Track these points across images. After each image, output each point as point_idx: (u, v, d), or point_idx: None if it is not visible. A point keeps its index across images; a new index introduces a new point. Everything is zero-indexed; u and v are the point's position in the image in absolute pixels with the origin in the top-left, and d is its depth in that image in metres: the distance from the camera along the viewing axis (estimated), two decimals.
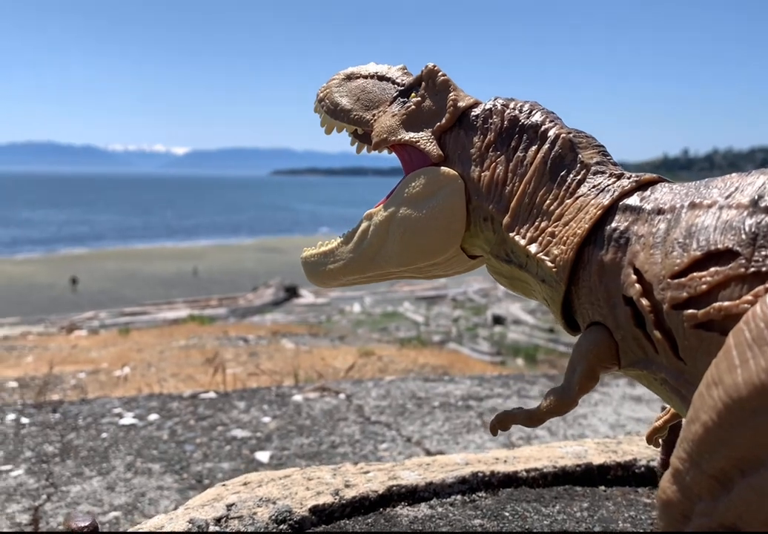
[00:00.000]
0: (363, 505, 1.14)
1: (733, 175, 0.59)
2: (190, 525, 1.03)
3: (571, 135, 0.72)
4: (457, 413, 3.03)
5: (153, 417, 2.93)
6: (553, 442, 2.53)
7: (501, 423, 0.76)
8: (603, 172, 0.69)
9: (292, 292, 21.96)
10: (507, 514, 1.15)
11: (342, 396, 3.27)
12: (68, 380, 4.08)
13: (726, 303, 0.53)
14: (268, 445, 2.63)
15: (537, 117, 0.74)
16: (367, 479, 1.20)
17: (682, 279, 0.56)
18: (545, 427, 2.93)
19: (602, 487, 1.27)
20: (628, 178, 0.68)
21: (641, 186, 0.67)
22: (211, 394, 3.28)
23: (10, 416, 2.89)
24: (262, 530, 1.05)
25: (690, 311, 0.55)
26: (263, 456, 2.52)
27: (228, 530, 1.04)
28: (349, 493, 1.15)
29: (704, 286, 0.54)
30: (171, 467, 2.42)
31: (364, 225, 0.81)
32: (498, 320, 16.21)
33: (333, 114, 0.84)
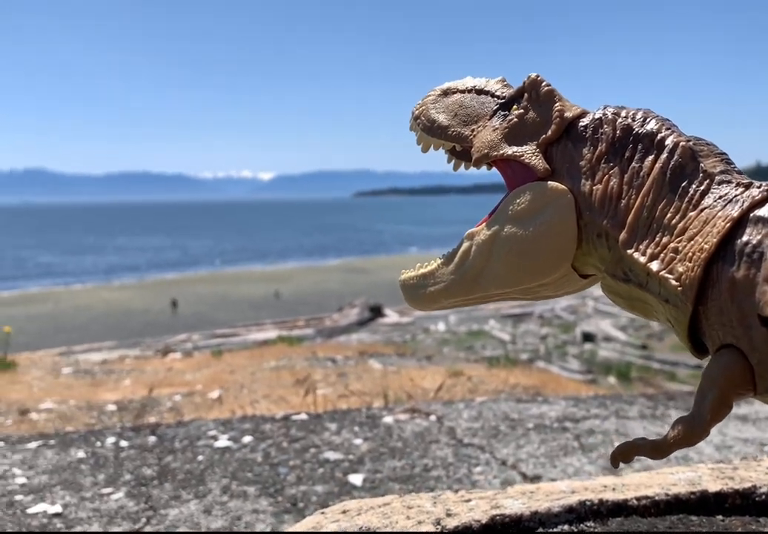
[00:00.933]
0: None
1: None
2: None
3: (690, 143, 0.67)
4: (552, 435, 2.94)
5: (247, 439, 2.96)
6: (654, 464, 2.42)
7: (623, 455, 0.70)
8: (729, 182, 0.64)
9: (376, 312, 22.07)
10: None
11: (433, 417, 3.22)
12: (164, 403, 4.19)
13: None
14: (361, 467, 2.61)
15: (652, 125, 0.69)
16: (469, 508, 1.16)
17: None
18: None
19: (720, 517, 1.18)
20: (758, 188, 0.62)
21: None
22: (303, 416, 3.29)
23: (110, 439, 2.97)
24: None
25: None
26: (356, 479, 2.50)
27: None
28: (451, 523, 1.11)
29: None
30: (266, 490, 2.42)
31: (465, 245, 0.77)
32: (588, 337, 15.81)
33: (430, 131, 0.80)
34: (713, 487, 1.23)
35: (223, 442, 2.93)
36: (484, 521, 1.12)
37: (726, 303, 0.60)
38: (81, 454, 2.79)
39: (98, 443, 2.93)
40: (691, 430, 0.65)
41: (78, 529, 2.09)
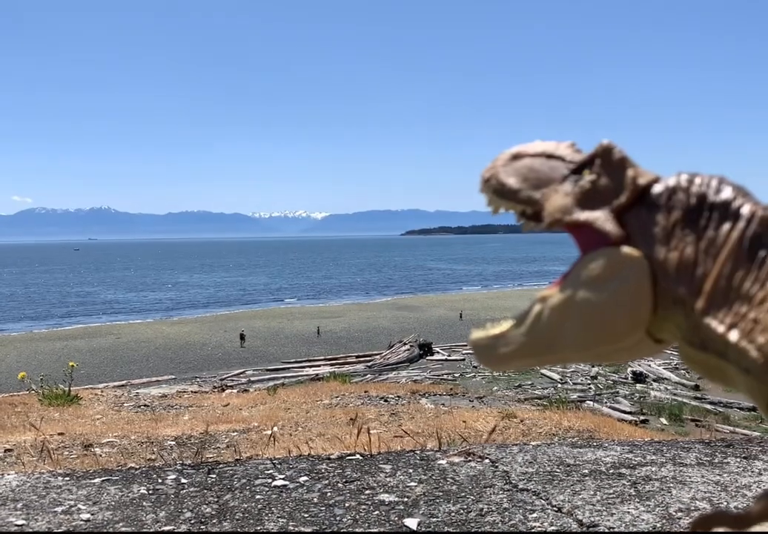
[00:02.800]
0: None
1: None
2: None
3: (767, 211, 0.68)
4: (608, 482, 2.90)
5: (303, 479, 3.00)
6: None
7: (702, 526, 0.70)
8: None
9: (426, 349, 21.95)
10: None
11: (487, 461, 3.21)
12: (222, 439, 4.27)
13: None
14: (416, 511, 2.62)
15: (727, 193, 0.70)
16: None
17: None
18: (705, 498, 2.75)
19: None
20: None
21: None
22: (357, 457, 3.33)
23: (171, 476, 3.05)
24: None
25: None
26: (412, 523, 2.52)
27: None
28: None
29: None
30: (322, 531, 2.46)
31: (537, 308, 0.77)
32: (638, 378, 15.43)
33: (500, 194, 0.81)
34: None
35: (280, 481, 2.98)
36: None
37: None
38: (143, 490, 2.87)
39: (159, 480, 3.01)
40: None
41: None
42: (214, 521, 2.55)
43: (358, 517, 2.58)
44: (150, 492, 2.86)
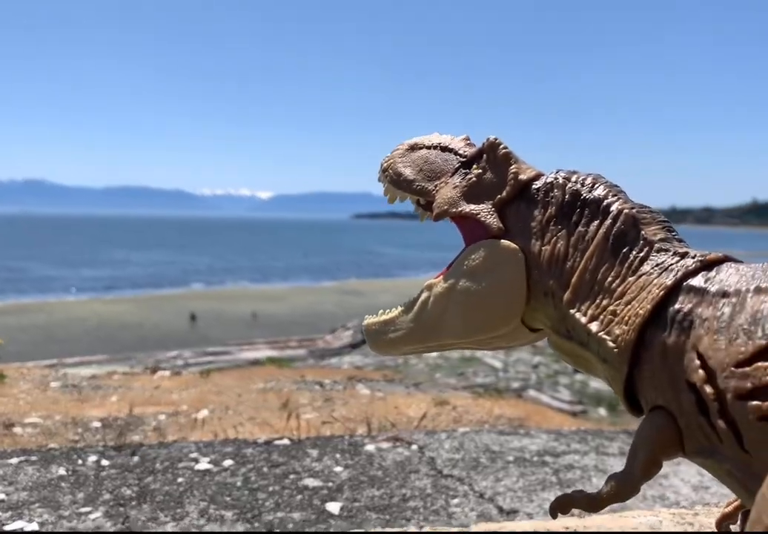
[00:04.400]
0: None
1: None
2: None
3: (634, 210, 0.71)
4: (532, 469, 2.95)
5: (228, 463, 2.97)
6: (631, 504, 2.43)
7: (561, 506, 0.73)
8: (667, 250, 0.68)
9: None
10: None
11: (414, 447, 3.23)
12: (149, 422, 4.19)
13: None
14: (339, 496, 2.62)
15: (599, 191, 0.73)
16: None
17: (747, 368, 0.54)
18: None
19: None
20: (693, 258, 0.66)
21: (706, 266, 0.65)
22: (285, 441, 3.31)
23: (92, 458, 2.98)
24: None
25: (755, 403, 0.53)
26: (334, 507, 2.51)
27: None
28: None
29: None
30: (243, 515, 2.43)
31: (424, 296, 0.80)
32: None
33: (396, 184, 0.85)
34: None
35: (203, 464, 2.94)
36: None
37: (657, 367, 0.63)
38: (62, 471, 2.80)
39: (80, 461, 2.94)
40: (623, 487, 0.68)
41: None
42: (134, 503, 2.50)
43: (280, 501, 2.56)
44: (69, 473, 2.79)
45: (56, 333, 21.13)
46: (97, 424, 4.12)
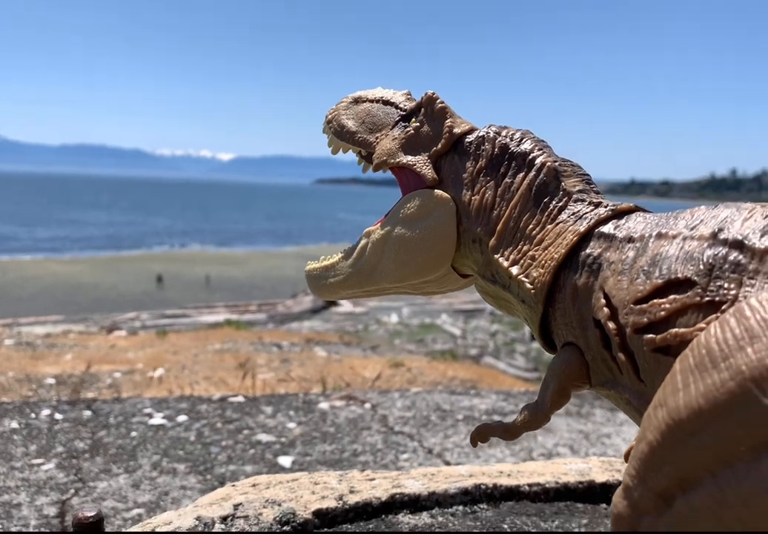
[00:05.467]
0: (366, 511, 1.18)
1: (702, 207, 0.62)
2: (197, 522, 1.08)
3: (556, 163, 0.76)
4: None
5: (182, 418, 3.01)
6: (555, 456, 2.54)
7: (480, 435, 0.79)
8: (583, 200, 0.73)
9: (330, 301, 22.04)
10: (506, 526, 1.18)
11: (368, 405, 3.30)
12: (104, 379, 4.20)
13: (682, 329, 0.56)
14: (292, 450, 2.68)
15: (526, 145, 0.78)
16: (372, 486, 1.24)
17: (644, 305, 0.59)
18: (567, 444, 2.93)
19: (603, 505, 1.28)
20: (605, 207, 0.71)
21: (617, 214, 0.70)
22: (240, 398, 3.35)
23: (45, 412, 2.99)
24: (266, 531, 1.10)
25: (650, 336, 0.58)
26: (286, 461, 2.57)
27: (233, 530, 1.08)
28: (353, 499, 1.19)
29: (663, 313, 0.57)
30: (195, 468, 2.48)
31: (362, 242, 0.85)
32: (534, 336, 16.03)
33: (339, 135, 0.88)
34: (601, 478, 1.34)
35: (157, 420, 2.97)
36: (384, 499, 1.20)
37: (569, 306, 0.69)
38: (14, 424, 2.81)
39: (33, 415, 2.95)
40: (535, 416, 0.74)
41: (5, 497, 2.13)
42: (86, 456, 2.53)
43: (233, 455, 2.61)
44: (22, 426, 2.80)
45: (10, 292, 20.77)
46: (51, 380, 4.12)
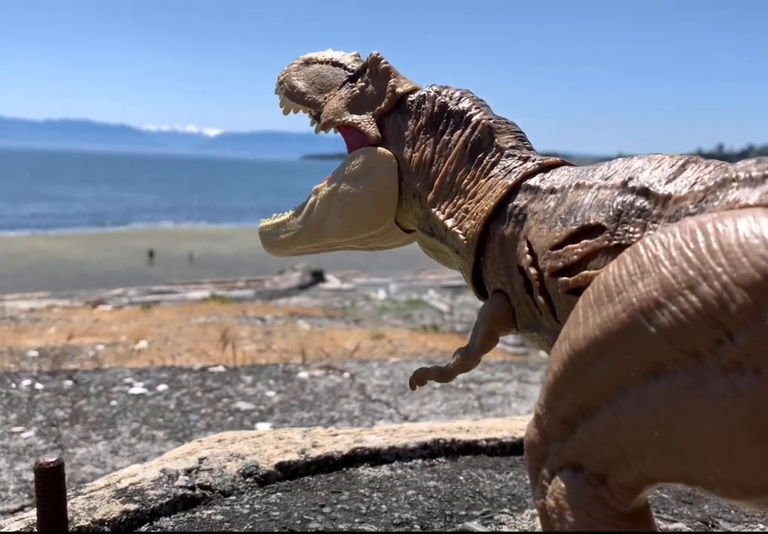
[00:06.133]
0: (327, 465, 1.23)
1: (619, 159, 0.66)
2: (162, 474, 1.12)
3: (491, 121, 0.79)
4: (456, 395, 3.10)
5: (162, 387, 3.05)
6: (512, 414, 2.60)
7: (418, 379, 0.83)
8: (514, 156, 0.76)
9: (318, 277, 22.06)
10: (462, 478, 1.22)
11: (346, 375, 3.35)
12: (86, 351, 4.23)
13: (591, 272, 0.59)
14: (270, 417, 2.73)
15: (464, 104, 0.81)
16: (335, 441, 1.28)
17: (560, 250, 0.63)
18: None
19: None
20: (533, 161, 0.74)
21: (544, 168, 0.73)
22: (220, 368, 3.39)
23: (26, 382, 3.02)
24: (229, 482, 1.14)
25: (564, 278, 0.62)
26: (263, 427, 2.62)
27: (197, 481, 1.12)
28: (315, 453, 1.23)
29: (575, 257, 0.61)
30: (174, 435, 2.52)
31: (311, 199, 0.88)
32: None
33: (290, 96, 0.91)
34: None
35: (138, 389, 3.01)
36: (345, 452, 1.24)
37: (497, 255, 0.73)
38: None
39: (13, 385, 2.98)
40: (466, 359, 0.78)
41: None
42: (66, 424, 2.56)
43: (212, 422, 2.66)
44: (2, 396, 2.83)
45: None
46: (34, 353, 4.14)
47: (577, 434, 0.53)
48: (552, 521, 0.55)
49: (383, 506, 1.10)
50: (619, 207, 0.59)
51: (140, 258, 24.83)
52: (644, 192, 0.58)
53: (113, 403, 2.82)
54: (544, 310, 0.66)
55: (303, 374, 3.34)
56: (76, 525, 0.95)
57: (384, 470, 1.23)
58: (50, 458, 0.83)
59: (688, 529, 1.04)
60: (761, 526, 1.06)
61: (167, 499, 1.06)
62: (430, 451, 1.29)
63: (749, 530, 1.05)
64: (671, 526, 1.05)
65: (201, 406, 2.83)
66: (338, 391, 3.10)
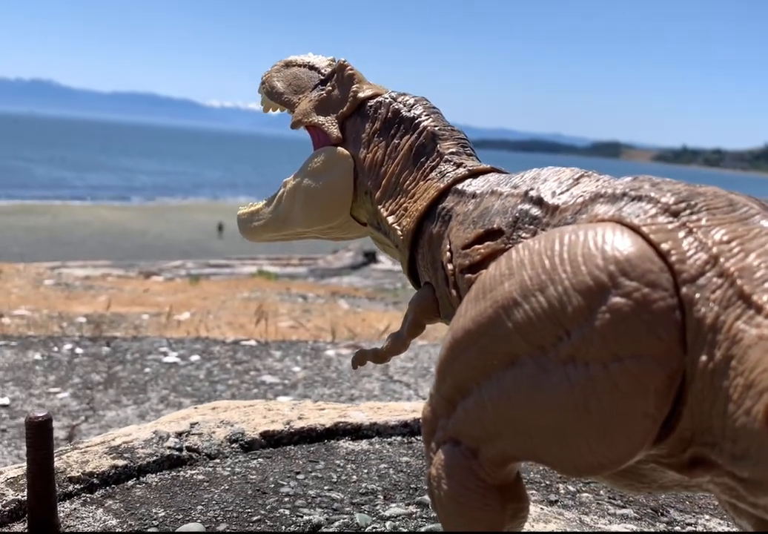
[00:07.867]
0: (310, 436, 1.31)
1: (534, 169, 0.72)
2: (154, 435, 1.22)
3: (437, 128, 0.86)
4: None
5: (195, 358, 3.19)
6: None
7: (357, 359, 0.92)
8: (450, 161, 0.83)
9: (370, 257, 22.20)
10: None
11: None
12: (131, 320, 4.42)
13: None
14: (293, 391, 2.84)
15: (416, 111, 0.88)
16: (320, 415, 1.37)
17: (468, 250, 0.70)
18: None
19: None
20: (465, 167, 0.81)
21: (474, 174, 0.80)
22: (252, 342, 3.52)
23: (67, 346, 3.20)
24: (215, 447, 1.24)
25: (468, 275, 0.69)
26: (284, 400, 2.73)
27: (185, 444, 1.22)
28: (299, 424, 1.32)
29: (479, 257, 0.68)
30: (199, 403, 2.65)
31: (281, 191, 0.96)
32: None
33: (270, 95, 1.00)
34: None
35: (171, 358, 3.16)
36: (328, 426, 1.33)
37: (426, 251, 0.80)
38: (38, 356, 3.02)
39: (56, 348, 3.16)
40: (395, 343, 0.86)
41: (20, 420, 2.33)
42: (100, 387, 2.72)
43: (237, 393, 2.78)
44: (44, 358, 3.01)
45: (60, 236, 21.40)
46: (81, 319, 4.35)
47: (456, 412, 0.60)
48: (432, 488, 0.63)
49: (354, 477, 1.19)
50: (516, 214, 0.66)
51: (201, 231, 25.34)
52: (539, 201, 0.65)
53: (147, 370, 2.97)
54: (455, 302, 0.73)
55: (330, 352, 3.44)
56: (68, 475, 1.06)
57: (363, 444, 1.31)
58: (39, 413, 0.93)
59: (635, 515, 1.10)
60: (707, 516, 1.11)
61: (155, 458, 1.16)
62: (410, 429, 1.37)
63: (694, 521, 1.10)
64: (619, 512, 1.10)
65: (229, 377, 2.96)
66: (362, 369, 3.19)
